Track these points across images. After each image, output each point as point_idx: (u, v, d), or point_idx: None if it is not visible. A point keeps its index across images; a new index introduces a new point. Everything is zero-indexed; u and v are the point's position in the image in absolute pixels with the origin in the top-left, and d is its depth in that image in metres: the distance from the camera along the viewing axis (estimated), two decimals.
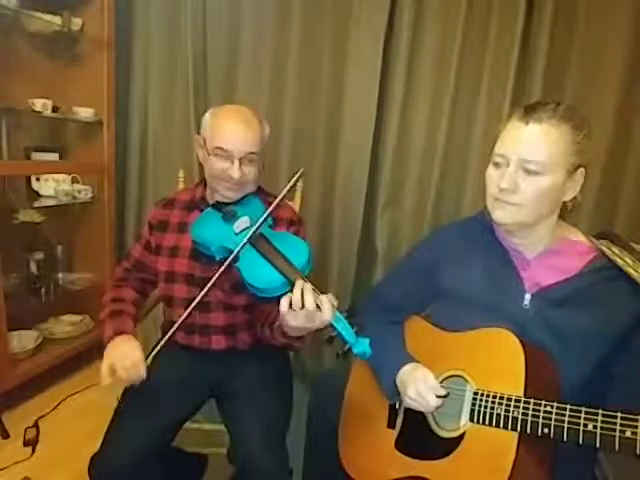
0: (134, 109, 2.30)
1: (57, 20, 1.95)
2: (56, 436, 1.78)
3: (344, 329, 0.87)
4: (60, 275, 2.26)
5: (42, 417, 1.87)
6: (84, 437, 1.69)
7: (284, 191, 1.03)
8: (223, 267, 0.99)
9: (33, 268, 2.11)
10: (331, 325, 0.87)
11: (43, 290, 2.11)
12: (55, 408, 1.94)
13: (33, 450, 1.71)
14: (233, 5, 2.09)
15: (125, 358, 1.03)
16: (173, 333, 1.02)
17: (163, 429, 1.15)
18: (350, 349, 0.87)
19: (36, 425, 1.82)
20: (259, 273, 0.95)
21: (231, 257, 0.98)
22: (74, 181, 2.17)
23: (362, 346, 0.86)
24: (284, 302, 0.88)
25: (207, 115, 1.20)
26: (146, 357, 1.04)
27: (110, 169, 2.18)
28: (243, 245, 0.99)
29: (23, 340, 1.99)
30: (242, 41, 2.10)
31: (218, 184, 1.18)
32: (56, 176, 2.14)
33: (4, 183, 2.06)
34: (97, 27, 2.03)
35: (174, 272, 1.21)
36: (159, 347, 1.03)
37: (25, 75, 2.02)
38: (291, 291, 0.88)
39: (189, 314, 1.02)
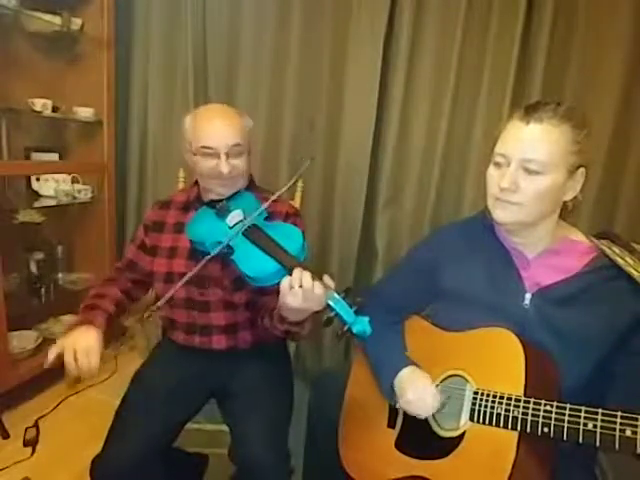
0: (134, 109, 2.30)
1: (57, 20, 1.96)
2: (56, 436, 1.78)
3: (342, 309, 0.87)
4: (60, 275, 2.26)
5: (42, 417, 1.87)
6: (84, 437, 1.69)
7: (289, 184, 1.06)
8: (217, 251, 0.98)
9: (33, 268, 2.11)
10: (328, 305, 0.88)
11: (43, 290, 2.11)
12: (55, 408, 1.94)
13: (33, 450, 1.71)
14: (233, 5, 2.09)
15: (78, 344, 1.01)
16: (157, 308, 0.98)
17: (164, 430, 1.15)
18: (349, 329, 0.87)
19: (36, 425, 1.82)
20: (254, 263, 0.96)
21: (224, 243, 0.98)
22: (74, 181, 2.17)
23: (361, 325, 0.86)
24: (285, 283, 0.88)
25: (187, 119, 1.21)
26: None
27: (110, 169, 2.18)
28: (236, 233, 0.99)
29: (23, 340, 1.99)
30: (242, 41, 2.10)
31: (210, 183, 1.20)
32: (56, 176, 2.14)
33: (4, 183, 2.06)
34: (97, 27, 2.03)
35: (172, 272, 1.21)
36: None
37: (25, 75, 2.02)
38: (288, 275, 0.89)
39: (167, 284, 1.01)
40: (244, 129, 1.19)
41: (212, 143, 1.14)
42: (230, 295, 1.19)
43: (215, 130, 1.15)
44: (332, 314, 0.89)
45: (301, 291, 0.87)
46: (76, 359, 1.00)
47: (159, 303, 0.95)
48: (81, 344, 1.02)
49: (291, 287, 0.88)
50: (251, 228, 1.01)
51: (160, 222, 1.27)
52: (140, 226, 1.31)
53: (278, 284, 0.90)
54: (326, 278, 0.89)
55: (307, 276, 0.87)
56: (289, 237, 0.98)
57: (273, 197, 1.07)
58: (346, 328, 0.88)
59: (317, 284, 0.87)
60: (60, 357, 1.01)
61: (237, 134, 1.16)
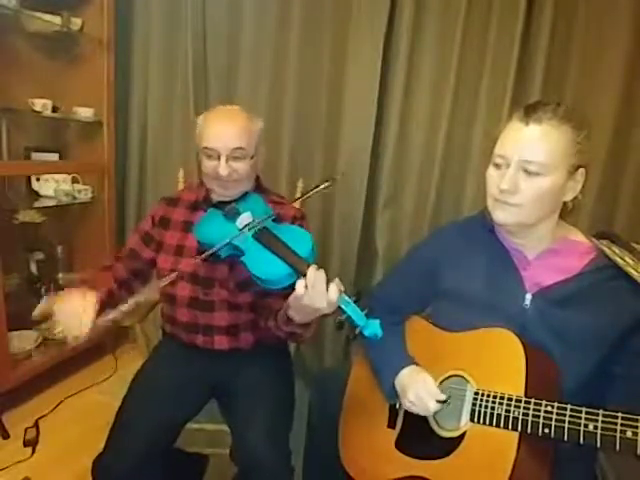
0: (134, 109, 2.30)
1: (57, 20, 1.96)
2: (56, 436, 1.78)
3: (353, 312, 0.87)
4: (60, 275, 2.25)
5: (42, 417, 1.87)
6: (84, 437, 1.69)
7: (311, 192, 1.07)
8: (225, 242, 0.98)
9: (33, 268, 2.12)
10: (340, 308, 0.88)
11: (43, 290, 2.11)
12: (55, 408, 1.94)
13: (33, 450, 1.71)
14: (233, 5, 2.09)
15: (73, 316, 0.98)
16: (142, 298, 0.99)
17: (165, 430, 1.15)
18: (361, 332, 0.87)
19: (36, 425, 1.82)
20: (265, 265, 0.95)
21: (230, 242, 0.99)
22: (74, 181, 2.17)
23: (373, 328, 0.86)
24: (300, 283, 0.88)
25: (199, 119, 1.22)
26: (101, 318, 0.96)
27: (110, 169, 2.18)
28: (245, 236, 1.00)
29: (23, 340, 1.99)
30: (242, 41, 2.10)
31: (211, 183, 1.20)
32: (56, 176, 2.14)
33: (4, 183, 2.05)
34: (97, 27, 2.03)
35: (180, 271, 1.20)
36: (113, 314, 0.95)
37: (25, 75, 2.02)
38: (297, 279, 0.89)
39: (171, 283, 1.01)
40: (251, 133, 1.19)
41: (213, 144, 1.15)
42: (235, 296, 1.19)
43: (218, 132, 1.15)
44: (343, 317, 0.89)
45: (316, 291, 0.87)
46: (69, 330, 0.97)
47: None
48: (76, 305, 0.99)
49: (306, 287, 0.87)
50: (261, 231, 1.01)
51: (167, 218, 1.27)
52: (147, 217, 1.30)
53: (287, 287, 0.90)
54: (336, 281, 0.89)
55: (322, 277, 0.87)
56: (299, 240, 0.98)
57: (286, 204, 1.09)
58: (357, 331, 0.88)
59: (332, 286, 0.87)
60: (50, 312, 0.97)
61: (240, 138, 1.15)
